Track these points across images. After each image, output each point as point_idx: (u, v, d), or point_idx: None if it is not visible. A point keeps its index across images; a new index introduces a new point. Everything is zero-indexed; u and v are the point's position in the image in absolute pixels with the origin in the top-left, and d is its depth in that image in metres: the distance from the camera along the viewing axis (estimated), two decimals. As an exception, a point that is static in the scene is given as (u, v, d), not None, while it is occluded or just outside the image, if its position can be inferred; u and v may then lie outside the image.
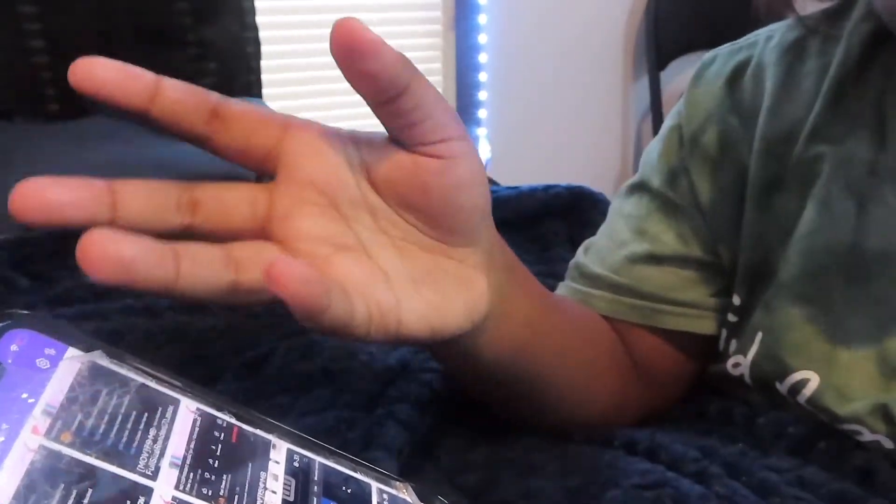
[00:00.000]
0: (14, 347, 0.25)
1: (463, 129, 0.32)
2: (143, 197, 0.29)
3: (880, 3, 0.43)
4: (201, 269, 0.28)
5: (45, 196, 0.28)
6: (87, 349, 0.27)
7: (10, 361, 0.25)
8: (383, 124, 0.31)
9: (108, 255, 0.26)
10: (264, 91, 1.43)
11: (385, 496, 0.31)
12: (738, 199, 0.49)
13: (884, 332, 0.43)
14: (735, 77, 0.50)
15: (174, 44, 1.29)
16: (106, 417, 0.25)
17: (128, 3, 1.24)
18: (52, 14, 1.20)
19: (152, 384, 0.28)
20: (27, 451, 0.23)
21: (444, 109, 0.31)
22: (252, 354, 0.50)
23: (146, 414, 0.27)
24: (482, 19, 1.93)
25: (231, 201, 0.31)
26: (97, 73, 0.30)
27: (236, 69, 1.37)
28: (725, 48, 0.53)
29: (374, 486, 0.31)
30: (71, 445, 0.24)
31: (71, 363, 0.26)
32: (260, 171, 0.32)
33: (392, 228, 0.33)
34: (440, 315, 0.33)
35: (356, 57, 0.27)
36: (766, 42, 0.50)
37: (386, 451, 0.39)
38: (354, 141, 0.32)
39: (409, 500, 0.32)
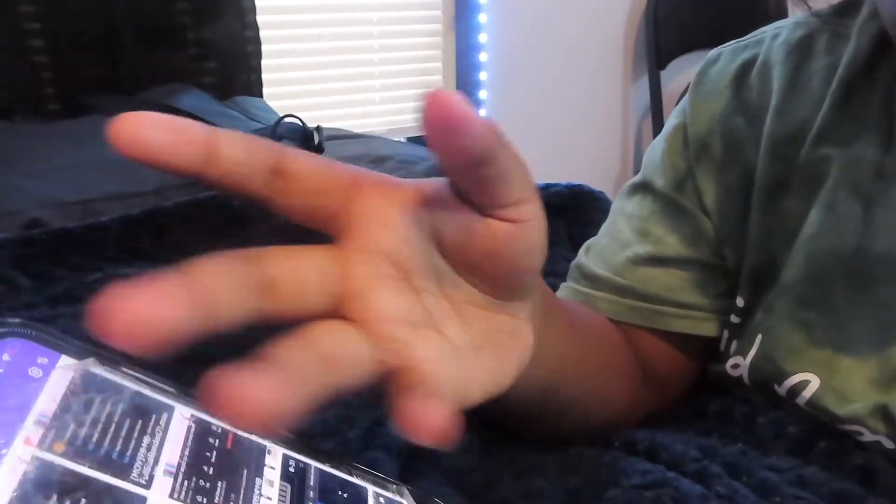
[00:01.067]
0: (6, 357, 0.25)
1: (535, 188, 0.29)
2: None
3: (887, 17, 0.43)
4: (307, 384, 0.25)
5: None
6: (81, 357, 0.27)
7: (1, 371, 0.25)
8: (458, 184, 0.28)
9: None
10: (264, 91, 1.43)
11: (381, 500, 0.31)
12: (744, 199, 0.48)
13: (886, 338, 0.43)
14: (741, 76, 0.50)
15: (174, 44, 1.29)
16: (99, 426, 0.25)
17: (128, 3, 1.24)
18: (52, 14, 1.20)
19: (146, 391, 0.28)
20: (19, 462, 0.22)
21: (521, 171, 0.28)
22: (252, 354, 0.50)
23: (140, 421, 0.26)
24: (482, 18, 1.93)
25: (301, 271, 0.28)
26: (146, 134, 0.25)
27: (236, 69, 1.37)
28: (730, 45, 0.52)
29: (371, 489, 0.31)
30: (64, 455, 0.23)
31: (64, 371, 0.26)
32: (324, 231, 0.30)
33: (455, 292, 0.30)
34: (496, 380, 0.31)
35: (449, 132, 0.24)
36: (772, 40, 0.49)
37: (386, 451, 0.39)
38: (425, 201, 0.29)
39: (405, 503, 0.32)
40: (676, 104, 0.54)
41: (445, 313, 0.30)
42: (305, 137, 1.04)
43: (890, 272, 0.43)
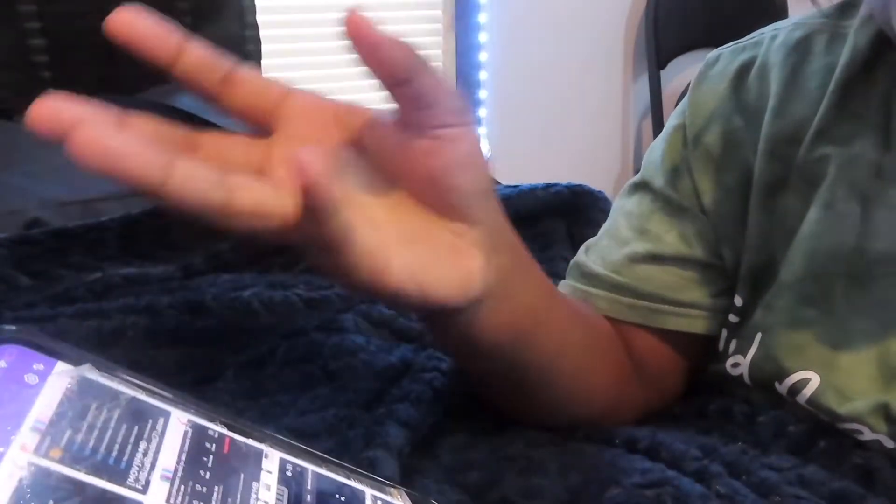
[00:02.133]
0: (2, 363, 0.25)
1: (468, 117, 0.34)
2: (151, 129, 0.32)
3: (881, 19, 0.43)
4: (194, 181, 0.29)
5: (60, 114, 0.31)
6: (77, 363, 0.27)
7: None
8: (396, 104, 0.33)
9: (98, 142, 0.27)
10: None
11: (379, 503, 0.31)
12: (743, 199, 0.49)
13: (886, 336, 0.43)
14: (740, 77, 0.50)
15: (174, 43, 1.29)
16: (95, 432, 0.25)
17: (128, 4, 1.24)
18: (52, 14, 1.20)
19: (143, 396, 0.28)
20: (16, 468, 0.22)
21: (445, 98, 0.33)
22: (253, 353, 0.50)
23: (136, 427, 0.26)
24: (482, 18, 1.93)
25: (229, 147, 0.34)
26: (137, 25, 0.32)
27: (236, 68, 1.37)
28: (729, 47, 0.52)
29: (369, 492, 0.31)
30: (60, 462, 0.23)
31: (60, 378, 0.26)
32: (260, 130, 0.35)
33: (388, 193, 0.35)
34: (429, 274, 0.34)
35: (363, 50, 0.31)
36: (770, 41, 0.50)
37: (386, 450, 0.39)
38: (348, 113, 0.35)
39: None
40: (676, 104, 0.55)
41: (373, 199, 0.34)
42: (305, 137, 1.04)
43: (889, 271, 0.43)
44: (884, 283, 0.43)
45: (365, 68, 0.31)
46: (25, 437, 0.23)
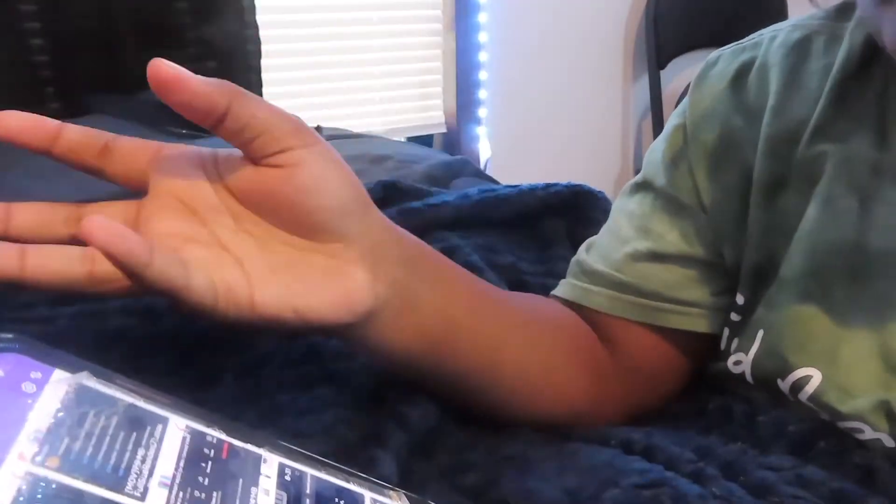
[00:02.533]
0: (0, 372, 0.25)
1: (308, 138, 0.35)
2: (33, 213, 0.35)
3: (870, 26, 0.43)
4: (52, 262, 0.31)
5: None
6: (74, 370, 0.27)
7: None
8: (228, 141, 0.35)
9: None
10: (264, 90, 1.43)
11: None
12: (743, 198, 0.49)
13: (886, 328, 0.43)
14: (739, 77, 0.50)
15: (174, 43, 1.29)
16: (93, 440, 0.25)
17: (128, 3, 1.24)
18: (52, 13, 1.20)
19: (140, 403, 0.28)
20: (14, 478, 0.22)
21: (280, 123, 0.34)
22: (252, 355, 0.50)
23: (134, 434, 0.26)
24: (482, 18, 1.93)
25: (110, 214, 0.36)
26: (10, 122, 0.35)
27: (236, 68, 1.37)
28: (729, 48, 0.53)
29: (368, 496, 0.31)
30: (58, 470, 0.23)
31: (57, 386, 0.26)
32: (141, 192, 0.37)
33: (255, 229, 0.36)
34: (304, 298, 0.35)
35: (165, 93, 0.31)
36: (770, 42, 0.50)
37: (385, 451, 0.39)
38: (213, 158, 0.36)
39: None
40: (677, 104, 0.55)
41: (240, 241, 0.36)
42: (305, 137, 1.04)
43: (888, 266, 0.43)
44: (883, 279, 0.43)
45: (177, 110, 0.32)
46: (23, 446, 0.23)
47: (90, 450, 0.25)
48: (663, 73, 2.05)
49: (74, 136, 0.35)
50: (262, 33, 1.41)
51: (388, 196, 0.74)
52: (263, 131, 0.34)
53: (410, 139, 1.87)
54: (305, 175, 0.35)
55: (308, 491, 0.29)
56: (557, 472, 0.40)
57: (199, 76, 0.32)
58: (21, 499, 0.22)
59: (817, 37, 0.48)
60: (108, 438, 0.25)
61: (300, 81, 1.75)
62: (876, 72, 0.45)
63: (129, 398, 0.28)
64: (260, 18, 1.41)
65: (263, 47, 1.41)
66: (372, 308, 0.37)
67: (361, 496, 0.31)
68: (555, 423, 0.46)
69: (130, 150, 0.36)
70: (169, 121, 1.13)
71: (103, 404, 0.27)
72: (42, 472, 0.23)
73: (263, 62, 1.42)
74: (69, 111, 1.19)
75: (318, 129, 1.06)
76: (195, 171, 0.36)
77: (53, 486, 0.23)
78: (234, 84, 0.33)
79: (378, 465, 0.37)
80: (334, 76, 1.80)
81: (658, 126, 2.08)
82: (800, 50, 0.48)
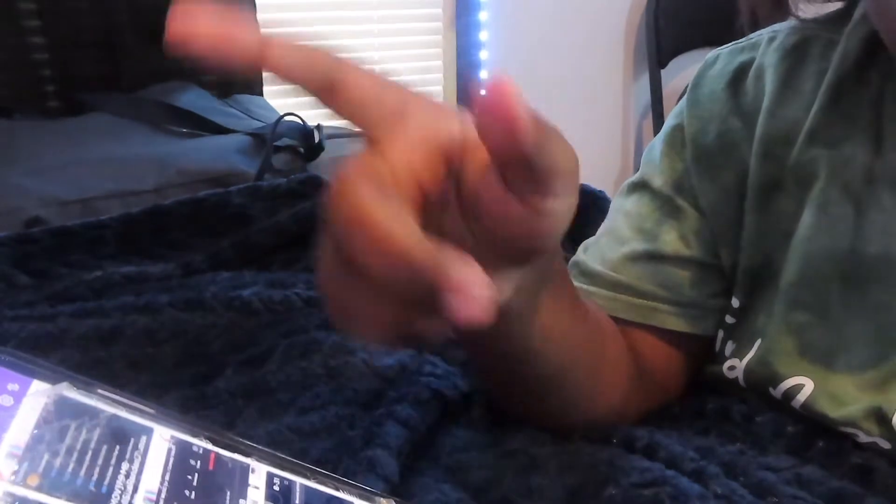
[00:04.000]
0: None
1: (575, 186, 0.30)
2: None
3: (879, 23, 0.43)
4: None
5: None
6: (54, 381, 0.26)
7: None
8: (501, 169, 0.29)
9: None
10: (264, 89, 1.43)
11: None
12: (739, 200, 0.49)
13: (880, 340, 0.43)
14: (737, 78, 0.50)
15: (174, 42, 1.28)
16: (75, 455, 0.24)
17: (128, 2, 1.24)
18: (51, 12, 1.20)
19: (123, 413, 0.27)
20: None
21: (566, 174, 0.29)
22: (252, 351, 0.50)
23: (118, 447, 0.25)
24: (482, 16, 1.93)
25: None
26: (202, 30, 0.27)
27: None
28: (727, 48, 0.52)
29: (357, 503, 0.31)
30: (39, 489, 0.22)
31: (36, 398, 0.25)
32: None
33: (451, 224, 0.31)
34: None
35: (502, 131, 0.25)
36: (768, 43, 0.50)
37: (386, 449, 0.39)
38: (461, 147, 0.30)
39: None
40: (677, 103, 0.55)
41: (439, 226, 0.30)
42: (306, 136, 1.04)
43: (883, 274, 0.43)
44: (877, 287, 0.43)
45: (487, 142, 0.26)
46: (2, 463, 0.22)
47: (72, 465, 0.24)
48: (664, 73, 2.05)
49: (289, 63, 0.30)
50: (261, 33, 1.41)
51: (389, 195, 0.74)
52: (548, 180, 0.28)
53: (410, 138, 1.87)
54: (552, 226, 0.30)
55: (297, 501, 0.29)
56: (559, 470, 0.40)
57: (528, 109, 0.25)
58: None
59: (815, 41, 0.48)
60: (90, 453, 0.24)
61: (300, 80, 1.75)
62: (871, 76, 0.45)
63: (111, 409, 0.26)
64: (260, 18, 1.40)
65: (263, 46, 1.41)
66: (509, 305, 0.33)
67: None
68: (588, 425, 0.46)
69: (366, 93, 0.31)
70: (168, 120, 1.13)
71: (84, 416, 0.25)
72: (21, 491, 0.22)
73: (263, 61, 1.41)
74: (69, 110, 1.19)
75: (318, 128, 1.06)
76: (438, 147, 0.30)
77: None
78: (545, 122, 0.27)
79: (379, 464, 0.37)
80: (334, 75, 1.80)
81: (658, 125, 2.07)
82: (797, 53, 0.48)
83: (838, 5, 0.49)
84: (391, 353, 0.50)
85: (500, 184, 0.28)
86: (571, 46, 2.07)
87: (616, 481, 0.39)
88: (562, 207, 0.29)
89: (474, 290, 0.25)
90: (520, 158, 0.26)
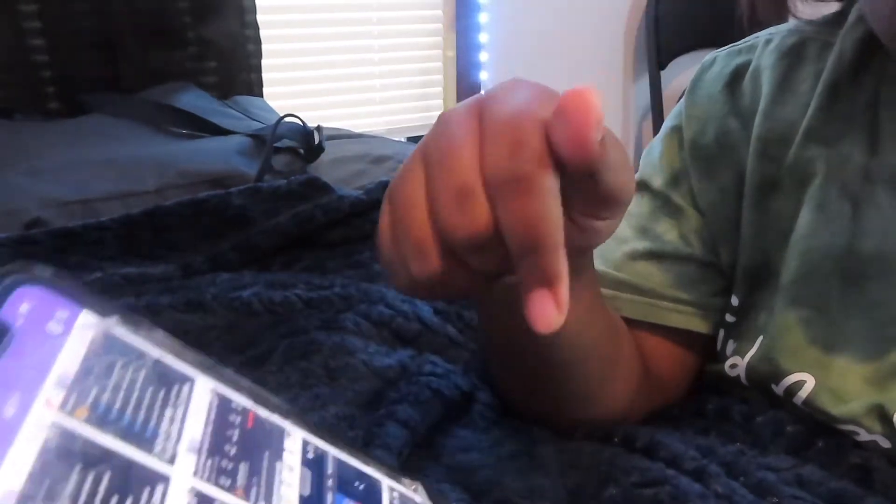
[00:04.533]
0: (24, 308, 0.22)
1: (620, 215, 0.31)
2: None
3: (876, 25, 0.43)
4: None
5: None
6: (102, 314, 0.24)
7: (19, 324, 0.22)
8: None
9: None
10: (264, 91, 1.43)
11: (395, 494, 0.30)
12: (737, 200, 0.49)
13: (879, 337, 0.43)
14: (735, 80, 0.51)
15: (174, 43, 1.29)
16: (121, 393, 0.23)
17: (128, 3, 1.24)
18: (52, 13, 1.20)
19: (169, 358, 0.25)
20: (40, 427, 0.20)
21: (619, 199, 0.30)
22: (252, 352, 0.50)
23: (163, 391, 0.24)
24: (482, 18, 1.93)
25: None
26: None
27: (236, 68, 1.37)
28: (725, 50, 0.53)
29: (385, 482, 0.30)
30: (87, 422, 0.21)
31: (85, 330, 0.23)
32: None
33: None
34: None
35: (573, 133, 0.26)
36: (764, 46, 0.51)
37: (387, 450, 0.39)
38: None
39: (418, 499, 0.31)
40: (676, 104, 0.55)
41: None
42: (305, 137, 1.04)
43: (880, 271, 0.43)
44: (876, 284, 0.43)
45: (561, 150, 0.26)
46: (51, 392, 0.21)
47: (119, 403, 0.22)
48: (664, 74, 2.05)
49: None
50: (262, 33, 1.41)
51: (389, 196, 0.74)
52: (613, 203, 0.29)
53: (410, 139, 1.87)
54: (590, 241, 0.32)
55: (330, 472, 0.28)
56: (559, 470, 0.40)
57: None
58: (49, 451, 0.20)
59: (811, 43, 0.49)
60: (136, 393, 0.23)
61: (300, 81, 1.75)
62: (867, 77, 0.45)
63: (156, 351, 0.25)
64: (260, 18, 1.41)
65: (263, 47, 1.41)
66: None
67: (379, 482, 0.30)
68: (592, 422, 0.46)
69: None
70: (169, 121, 1.13)
71: (132, 355, 0.24)
72: (70, 423, 0.21)
73: (263, 62, 1.42)
74: (69, 111, 1.19)
75: (318, 129, 1.06)
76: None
77: (82, 441, 0.21)
78: (619, 150, 0.28)
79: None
80: (334, 76, 1.80)
81: (658, 126, 2.07)
82: (793, 55, 0.49)
83: (835, 7, 0.50)
84: (391, 353, 0.50)
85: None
86: (571, 48, 2.07)
87: (616, 481, 0.39)
88: (607, 229, 0.31)
89: (557, 302, 0.26)
90: (583, 169, 0.26)
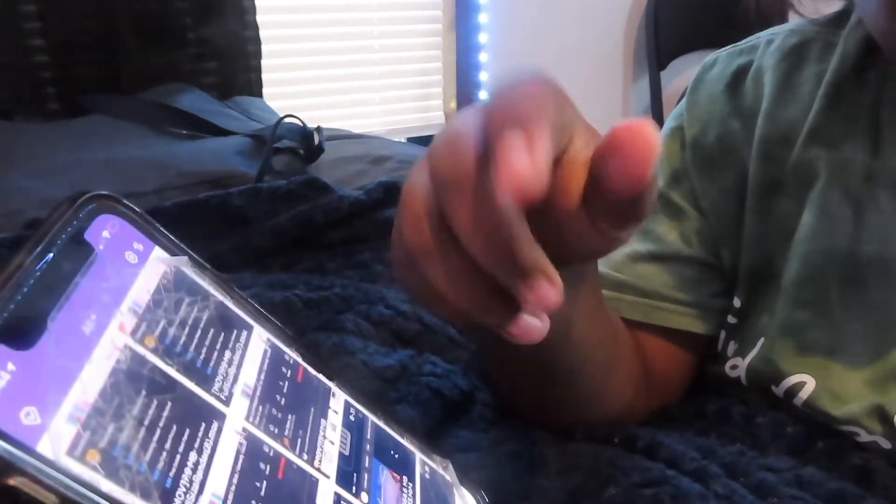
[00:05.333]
0: (106, 234, 0.24)
1: (641, 222, 0.30)
2: None
3: (873, 28, 0.43)
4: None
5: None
6: (173, 253, 0.26)
7: (101, 248, 0.23)
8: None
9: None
10: (264, 91, 1.43)
11: (427, 468, 0.30)
12: (739, 201, 0.49)
13: (881, 339, 0.43)
14: (736, 80, 0.50)
15: (174, 44, 1.29)
16: (186, 329, 0.24)
17: (128, 3, 1.24)
18: (52, 14, 1.20)
19: (230, 303, 0.27)
20: (114, 348, 0.21)
21: (640, 217, 0.29)
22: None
23: (223, 334, 0.25)
24: (483, 18, 1.93)
25: None
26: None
27: (236, 69, 1.37)
28: (726, 51, 0.53)
29: (418, 456, 0.31)
30: (154, 352, 0.22)
31: (157, 264, 0.25)
32: None
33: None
34: None
35: (631, 172, 0.25)
36: (766, 46, 0.50)
37: (386, 450, 0.39)
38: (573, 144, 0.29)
39: (448, 478, 0.31)
40: (677, 105, 0.55)
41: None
42: (305, 137, 1.04)
43: (881, 274, 0.43)
44: (877, 286, 0.43)
45: (605, 180, 0.26)
46: (124, 317, 0.22)
47: (183, 339, 0.24)
48: (663, 74, 2.05)
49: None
50: (262, 33, 1.41)
51: (389, 196, 0.75)
52: (629, 222, 0.29)
53: (410, 139, 1.87)
54: (609, 247, 0.31)
55: (369, 436, 0.29)
56: (559, 470, 0.40)
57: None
58: (119, 372, 0.21)
59: (813, 43, 0.49)
60: (199, 332, 0.25)
61: (300, 81, 1.75)
62: (870, 78, 0.45)
63: (220, 295, 0.27)
64: (260, 18, 1.41)
65: (263, 47, 1.41)
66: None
67: (413, 454, 0.30)
68: (592, 424, 0.46)
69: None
70: (168, 121, 1.13)
71: (198, 295, 0.26)
72: (140, 350, 0.22)
73: (263, 62, 1.42)
74: (69, 111, 1.19)
75: (318, 130, 1.06)
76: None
77: (149, 367, 0.22)
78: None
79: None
80: (334, 76, 1.80)
81: (658, 127, 2.07)
82: (795, 55, 0.49)
83: (837, 6, 0.50)
84: (391, 353, 0.50)
85: (580, 204, 0.28)
86: (571, 48, 2.07)
87: (616, 481, 0.39)
88: (626, 237, 0.30)
89: (544, 305, 0.25)
90: (629, 201, 0.26)
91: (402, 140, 1.76)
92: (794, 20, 0.51)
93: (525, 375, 0.44)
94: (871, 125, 0.45)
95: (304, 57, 1.75)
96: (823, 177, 0.45)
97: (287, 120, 1.06)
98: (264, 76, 1.42)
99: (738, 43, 0.53)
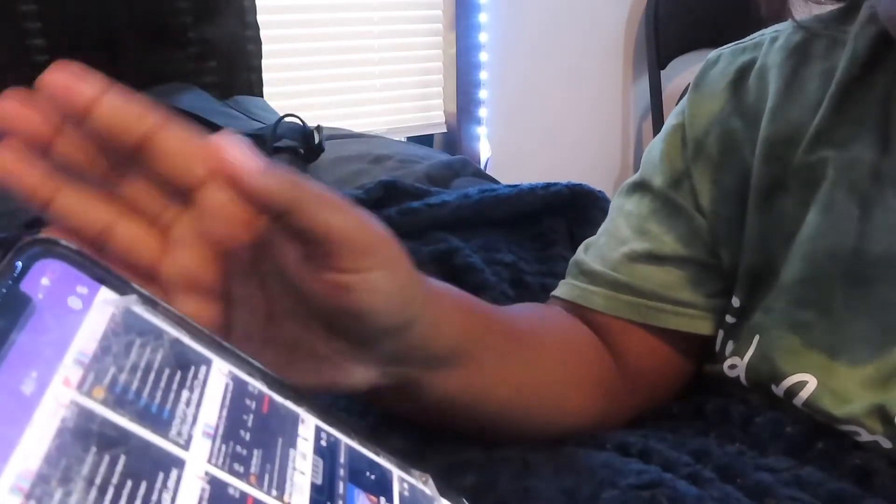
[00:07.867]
0: (45, 281, 0.22)
1: (385, 257, 0.29)
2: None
3: (886, 16, 0.43)
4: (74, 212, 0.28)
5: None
6: (122, 291, 0.24)
7: (40, 297, 0.22)
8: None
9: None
10: (264, 91, 1.43)
11: (406, 485, 0.30)
12: (740, 201, 0.49)
13: (884, 339, 0.43)
14: (739, 78, 0.50)
15: (174, 43, 1.28)
16: (139, 373, 0.22)
17: (128, 3, 1.24)
18: (52, 14, 1.20)
19: (185, 338, 0.25)
20: (58, 406, 0.20)
21: (360, 237, 0.28)
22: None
23: (179, 373, 0.24)
24: (482, 18, 1.93)
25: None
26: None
27: (237, 68, 1.37)
28: (729, 48, 0.52)
29: (396, 473, 0.30)
30: (104, 403, 0.21)
31: (104, 307, 0.23)
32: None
33: (267, 280, 0.31)
34: (282, 373, 0.30)
35: (231, 179, 0.26)
36: (770, 43, 0.50)
37: (381, 453, 0.39)
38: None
39: (428, 492, 0.31)
40: (677, 104, 0.55)
41: (247, 293, 0.30)
42: (305, 137, 1.04)
43: (887, 273, 0.43)
44: (881, 286, 0.43)
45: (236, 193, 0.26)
46: (69, 370, 0.21)
47: (136, 384, 0.22)
48: (663, 73, 2.05)
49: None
50: (262, 33, 1.41)
51: (389, 196, 0.74)
52: (338, 244, 0.28)
53: (411, 139, 1.87)
54: (367, 301, 0.29)
55: (342, 461, 0.28)
56: (555, 472, 0.40)
57: (269, 168, 0.26)
58: (66, 431, 0.20)
59: (818, 40, 0.48)
60: (153, 374, 0.23)
61: (300, 81, 1.75)
62: (880, 76, 0.45)
63: (174, 331, 0.25)
64: (260, 18, 1.40)
65: (263, 47, 1.41)
66: (358, 389, 0.34)
67: (390, 472, 0.29)
68: (570, 435, 0.45)
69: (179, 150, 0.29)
70: (169, 121, 1.12)
71: (150, 335, 0.24)
72: (88, 403, 0.21)
73: (263, 62, 1.41)
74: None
75: (318, 129, 1.05)
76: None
77: (99, 421, 0.21)
78: (301, 183, 0.27)
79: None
80: (334, 76, 1.80)
81: (658, 126, 2.07)
82: (800, 52, 0.48)
83: (836, 3, 0.49)
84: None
85: (302, 261, 0.29)
86: (571, 48, 2.07)
87: (613, 483, 0.39)
88: (367, 284, 0.29)
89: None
90: (275, 205, 0.27)
91: (402, 139, 1.76)
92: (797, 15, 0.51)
93: (452, 424, 0.43)
94: (881, 122, 0.44)
95: (304, 56, 1.75)
96: (830, 178, 0.45)
97: (287, 119, 1.06)
98: (264, 76, 1.42)
99: (743, 40, 0.52)
